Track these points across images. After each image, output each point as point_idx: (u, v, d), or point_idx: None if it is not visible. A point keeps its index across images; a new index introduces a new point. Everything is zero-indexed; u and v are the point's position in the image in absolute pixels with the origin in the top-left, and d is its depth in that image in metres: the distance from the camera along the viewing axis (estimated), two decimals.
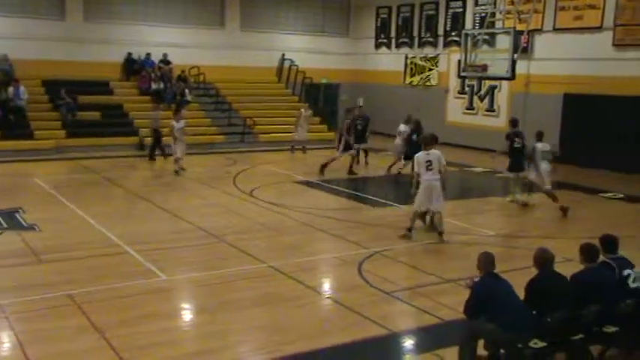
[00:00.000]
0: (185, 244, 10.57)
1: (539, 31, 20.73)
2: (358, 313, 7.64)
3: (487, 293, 5.93)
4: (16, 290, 8.11)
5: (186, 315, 7.94)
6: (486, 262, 6.12)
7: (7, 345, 6.64)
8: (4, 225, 11.25)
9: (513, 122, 14.41)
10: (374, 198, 14.52)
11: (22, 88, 20.57)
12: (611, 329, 6.04)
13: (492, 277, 6.07)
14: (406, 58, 26.64)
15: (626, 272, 6.30)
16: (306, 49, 27.22)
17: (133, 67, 24.05)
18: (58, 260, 9.41)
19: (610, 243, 6.59)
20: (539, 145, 13.11)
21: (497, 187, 16.33)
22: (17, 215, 11.91)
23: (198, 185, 15.80)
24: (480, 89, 23.64)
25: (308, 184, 16.19)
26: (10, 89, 20.41)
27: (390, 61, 27.29)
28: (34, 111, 20.95)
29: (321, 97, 27.76)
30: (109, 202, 13.83)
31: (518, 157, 13.69)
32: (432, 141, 10.89)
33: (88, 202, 13.21)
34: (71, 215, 12.18)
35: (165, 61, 24.30)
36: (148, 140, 19.78)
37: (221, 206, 13.49)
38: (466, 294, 6.12)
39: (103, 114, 21.83)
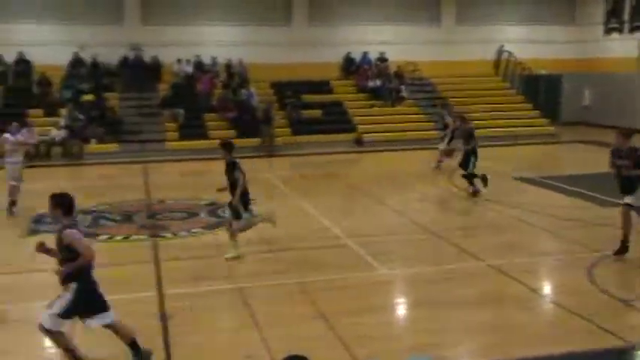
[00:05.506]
0: (402, 238, 10.73)
1: None
2: (589, 320, 7.11)
3: None
4: (252, 276, 8.89)
5: (404, 309, 8.06)
6: None
7: (242, 324, 7.25)
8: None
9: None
10: (601, 197, 13.24)
11: (253, 90, 22.40)
12: None
13: None
14: None
15: None
16: (525, 40, 25.95)
17: (351, 66, 24.96)
18: (284, 249, 10.03)
19: None
20: None
21: None
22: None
23: (415, 181, 15.88)
24: None
25: (526, 180, 15.40)
26: (243, 91, 22.33)
27: (622, 47, 24.92)
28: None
29: (541, 90, 26.22)
30: (331, 196, 14.47)
31: None
32: None
33: (311, 196, 13.98)
34: (295, 208, 12.92)
35: (382, 59, 24.84)
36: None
37: (438, 202, 13.52)
38: None
39: (323, 111, 22.89)
